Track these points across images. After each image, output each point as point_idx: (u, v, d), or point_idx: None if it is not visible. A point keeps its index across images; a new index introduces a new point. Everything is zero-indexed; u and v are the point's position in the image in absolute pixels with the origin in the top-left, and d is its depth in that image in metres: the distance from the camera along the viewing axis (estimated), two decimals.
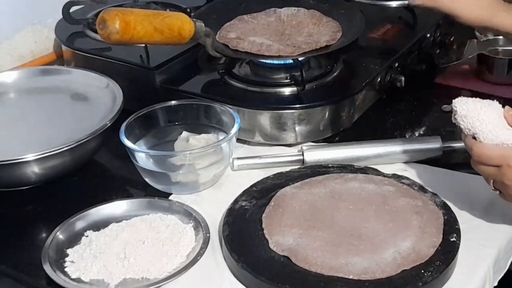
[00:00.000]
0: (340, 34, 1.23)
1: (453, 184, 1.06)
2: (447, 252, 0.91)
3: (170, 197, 1.07)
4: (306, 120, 1.15)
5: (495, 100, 0.95)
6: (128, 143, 1.06)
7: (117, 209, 1.03)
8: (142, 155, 1.07)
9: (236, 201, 1.02)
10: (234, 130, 1.07)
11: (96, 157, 1.15)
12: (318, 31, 1.24)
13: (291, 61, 1.19)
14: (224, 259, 0.95)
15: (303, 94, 1.17)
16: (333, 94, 1.19)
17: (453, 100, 0.95)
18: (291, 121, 1.15)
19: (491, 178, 0.93)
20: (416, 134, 1.22)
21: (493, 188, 0.94)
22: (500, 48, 1.37)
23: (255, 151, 1.17)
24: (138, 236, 0.97)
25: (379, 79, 1.26)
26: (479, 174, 0.95)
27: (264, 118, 1.15)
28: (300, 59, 1.18)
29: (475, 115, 0.92)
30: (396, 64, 1.30)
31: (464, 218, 0.99)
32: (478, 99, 0.95)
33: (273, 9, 1.32)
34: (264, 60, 1.23)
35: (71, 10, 1.38)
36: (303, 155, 1.12)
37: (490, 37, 1.41)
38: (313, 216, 0.97)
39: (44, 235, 1.00)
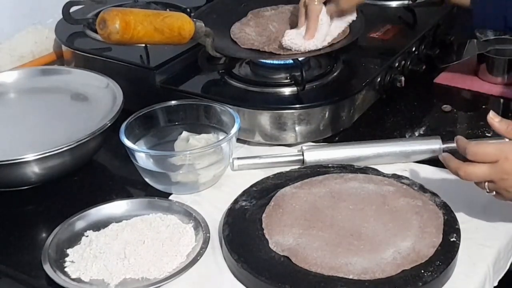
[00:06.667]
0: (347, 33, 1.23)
1: (453, 184, 1.06)
2: (447, 252, 0.91)
3: (170, 197, 1.07)
4: (306, 120, 1.15)
5: None
6: (128, 143, 1.06)
7: (117, 209, 1.03)
8: (142, 155, 1.07)
9: (236, 201, 1.02)
10: (234, 130, 1.07)
11: (96, 157, 1.15)
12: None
13: (291, 61, 1.19)
14: (224, 259, 0.95)
15: (303, 94, 1.17)
16: (333, 94, 1.19)
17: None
18: (291, 121, 1.15)
19: (486, 178, 0.91)
20: (416, 134, 1.22)
21: (488, 190, 0.92)
22: (500, 48, 1.36)
23: (255, 151, 1.17)
24: (138, 236, 0.97)
25: (379, 79, 1.26)
26: None
27: (264, 118, 1.15)
28: (300, 59, 1.18)
29: None
30: (396, 64, 1.30)
31: (464, 218, 0.99)
32: None
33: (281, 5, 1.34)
34: (264, 60, 1.23)
35: (71, 10, 1.38)
36: (303, 155, 1.12)
37: (490, 37, 1.41)
38: (313, 216, 0.97)
39: (44, 235, 1.00)
